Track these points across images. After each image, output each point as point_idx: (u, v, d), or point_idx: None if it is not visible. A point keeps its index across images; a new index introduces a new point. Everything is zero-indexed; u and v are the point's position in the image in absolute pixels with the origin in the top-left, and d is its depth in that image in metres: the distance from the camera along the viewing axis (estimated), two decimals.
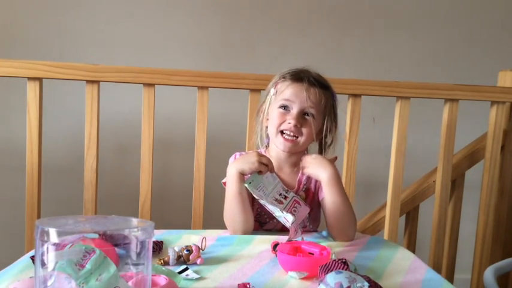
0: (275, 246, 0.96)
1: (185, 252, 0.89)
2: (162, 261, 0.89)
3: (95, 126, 1.41)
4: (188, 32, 1.99)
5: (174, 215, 1.85)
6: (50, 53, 1.87)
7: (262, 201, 1.05)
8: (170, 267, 0.85)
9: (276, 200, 1.07)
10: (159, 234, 1.08)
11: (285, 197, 1.09)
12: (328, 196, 1.10)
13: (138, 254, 0.62)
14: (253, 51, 2.03)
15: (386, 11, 2.10)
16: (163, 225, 1.16)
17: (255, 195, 1.05)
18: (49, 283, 0.59)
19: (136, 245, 0.61)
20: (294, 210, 1.07)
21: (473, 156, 1.70)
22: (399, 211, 1.57)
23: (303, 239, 1.04)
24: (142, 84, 1.41)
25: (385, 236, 1.58)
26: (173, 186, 1.98)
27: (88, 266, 0.58)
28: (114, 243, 0.61)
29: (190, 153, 1.46)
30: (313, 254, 0.91)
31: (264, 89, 1.27)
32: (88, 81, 1.40)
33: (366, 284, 0.72)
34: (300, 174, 1.18)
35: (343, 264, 0.82)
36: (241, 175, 1.07)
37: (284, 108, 1.15)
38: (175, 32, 1.98)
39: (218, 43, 2.01)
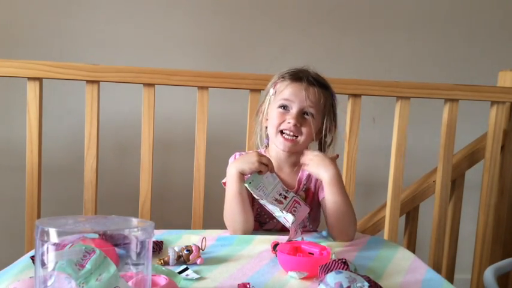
0: (275, 246, 0.96)
1: (185, 252, 0.89)
2: (162, 261, 0.89)
3: (95, 126, 1.41)
4: (188, 32, 1.99)
5: (174, 215, 1.85)
6: (50, 53, 1.87)
7: (262, 201, 1.05)
8: (170, 267, 0.85)
9: (276, 200, 1.07)
10: (159, 234, 1.08)
11: (285, 197, 1.09)
12: (329, 196, 1.10)
13: (138, 254, 0.62)
14: (253, 51, 2.03)
15: (386, 11, 2.10)
16: (163, 225, 1.16)
17: (255, 195, 1.05)
18: (49, 283, 0.59)
19: (137, 245, 0.61)
20: (294, 210, 1.07)
21: (473, 156, 1.70)
22: (399, 211, 1.57)
23: (303, 239, 1.04)
24: (142, 84, 1.41)
25: (385, 236, 1.58)
26: (173, 186, 1.98)
27: (88, 266, 0.58)
28: (114, 243, 0.61)
29: (190, 153, 1.46)
30: (313, 254, 0.91)
31: (263, 89, 1.27)
32: (88, 81, 1.40)
33: (366, 284, 0.72)
34: (300, 174, 1.18)
35: (343, 264, 0.82)
36: (241, 175, 1.07)
37: (283, 108, 1.15)
38: (175, 32, 1.98)
39: (218, 43, 2.01)
